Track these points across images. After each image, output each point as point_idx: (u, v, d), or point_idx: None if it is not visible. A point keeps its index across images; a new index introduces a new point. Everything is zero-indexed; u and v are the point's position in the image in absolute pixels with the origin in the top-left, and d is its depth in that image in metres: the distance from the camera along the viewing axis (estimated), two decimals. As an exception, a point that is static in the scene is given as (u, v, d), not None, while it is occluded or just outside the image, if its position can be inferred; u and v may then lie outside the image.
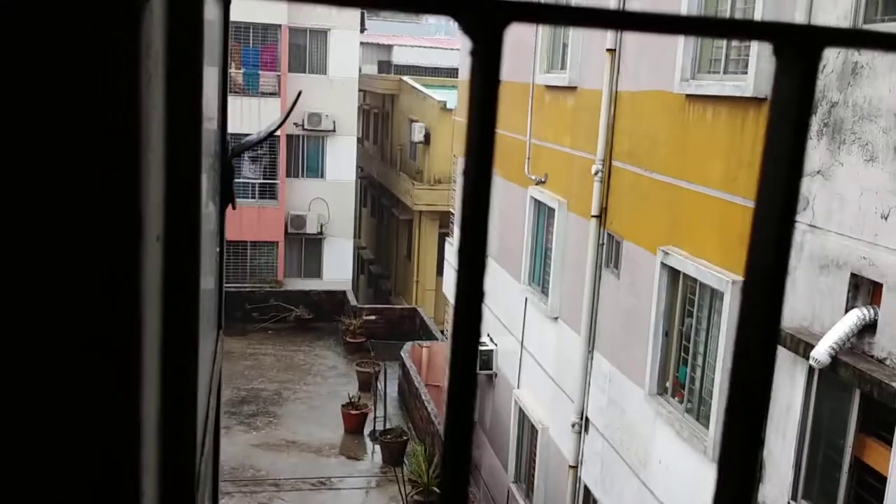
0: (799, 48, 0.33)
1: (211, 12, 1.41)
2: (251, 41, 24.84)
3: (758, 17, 7.24)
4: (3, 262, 0.49)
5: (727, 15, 8.01)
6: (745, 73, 7.53)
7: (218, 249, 1.74)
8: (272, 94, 24.73)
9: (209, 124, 1.36)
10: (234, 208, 1.83)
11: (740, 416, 0.45)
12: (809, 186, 6.56)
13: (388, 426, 16.76)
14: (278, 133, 24.25)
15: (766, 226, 0.33)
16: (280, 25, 24.72)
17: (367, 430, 17.08)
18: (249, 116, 23.06)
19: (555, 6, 0.32)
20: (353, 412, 16.99)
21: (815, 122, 6.54)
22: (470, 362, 0.41)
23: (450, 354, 0.42)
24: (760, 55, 7.20)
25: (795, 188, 0.33)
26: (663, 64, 8.85)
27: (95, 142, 0.48)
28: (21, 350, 0.52)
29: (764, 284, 0.36)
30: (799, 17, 6.70)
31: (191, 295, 0.87)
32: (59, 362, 0.51)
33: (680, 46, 8.47)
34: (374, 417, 16.95)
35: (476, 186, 0.33)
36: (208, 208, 1.34)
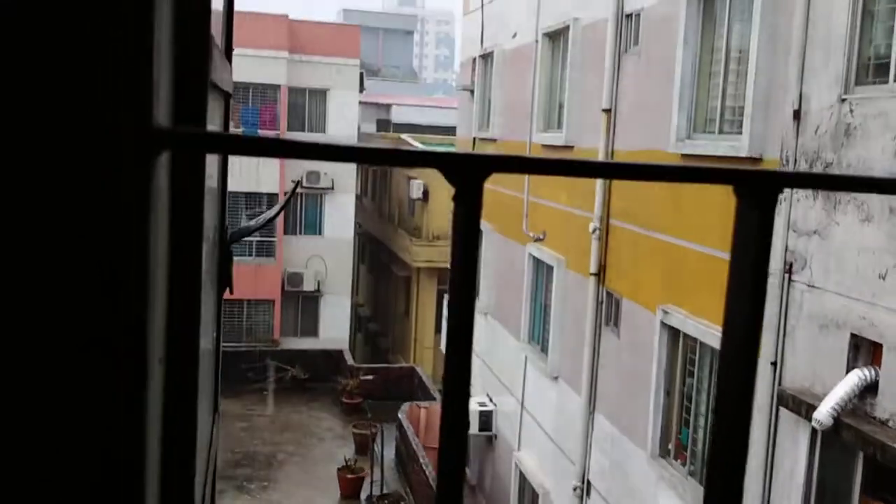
0: (756, 191, 0.35)
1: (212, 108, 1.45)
2: (251, 100, 25.19)
3: (750, 84, 7.38)
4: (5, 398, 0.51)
5: (720, 87, 8.14)
6: (740, 133, 7.64)
7: (215, 334, 1.75)
8: (272, 154, 24.92)
9: (209, 205, 1.40)
10: (231, 293, 1.85)
11: (722, 472, 0.46)
12: (807, 246, 6.59)
13: (385, 490, 16.43)
14: (276, 191, 24.43)
15: (735, 361, 0.35)
16: (279, 85, 25.11)
17: (363, 495, 16.75)
18: (248, 176, 23.27)
19: (529, 158, 0.34)
20: (350, 476, 16.69)
21: (809, 183, 6.60)
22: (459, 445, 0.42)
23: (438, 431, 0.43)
24: (755, 116, 7.31)
25: (758, 326, 0.35)
26: (659, 124, 8.98)
27: (103, 281, 0.50)
28: (20, 451, 0.53)
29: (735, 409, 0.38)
30: (791, 80, 6.83)
31: (188, 414, 0.88)
32: (59, 483, 0.52)
33: (675, 106, 8.61)
34: (371, 481, 16.63)
35: (459, 316, 0.35)
36: (206, 293, 1.36)
